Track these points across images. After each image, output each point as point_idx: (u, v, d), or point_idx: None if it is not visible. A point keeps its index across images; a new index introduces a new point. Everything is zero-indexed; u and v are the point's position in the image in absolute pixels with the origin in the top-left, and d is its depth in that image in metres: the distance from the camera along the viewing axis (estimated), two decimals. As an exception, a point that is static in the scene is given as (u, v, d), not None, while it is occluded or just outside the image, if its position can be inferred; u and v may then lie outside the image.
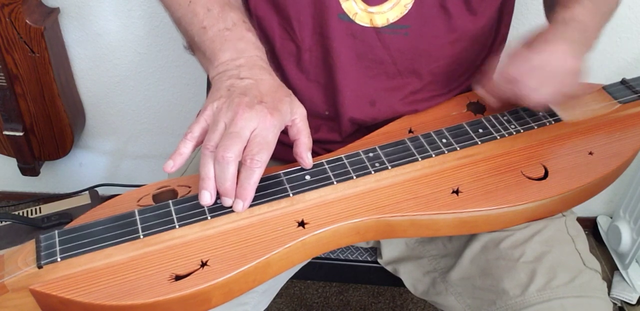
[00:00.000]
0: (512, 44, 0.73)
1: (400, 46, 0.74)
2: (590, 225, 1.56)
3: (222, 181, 0.58)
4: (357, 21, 0.73)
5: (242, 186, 0.59)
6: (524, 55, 0.70)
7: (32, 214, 0.95)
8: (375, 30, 0.73)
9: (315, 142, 0.81)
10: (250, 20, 0.74)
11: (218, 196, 0.60)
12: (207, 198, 0.59)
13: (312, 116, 0.80)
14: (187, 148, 0.61)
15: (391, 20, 0.73)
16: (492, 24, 0.80)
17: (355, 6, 0.72)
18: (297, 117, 0.64)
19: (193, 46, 0.71)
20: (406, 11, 0.72)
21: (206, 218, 0.61)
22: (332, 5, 0.71)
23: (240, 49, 0.66)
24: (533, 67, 0.68)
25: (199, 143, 0.62)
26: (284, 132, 0.82)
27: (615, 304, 1.40)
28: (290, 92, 0.65)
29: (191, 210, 0.61)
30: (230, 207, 0.60)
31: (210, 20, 0.68)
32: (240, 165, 0.58)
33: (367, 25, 0.73)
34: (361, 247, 0.94)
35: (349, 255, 0.94)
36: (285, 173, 0.66)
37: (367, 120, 0.78)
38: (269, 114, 0.59)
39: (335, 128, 0.80)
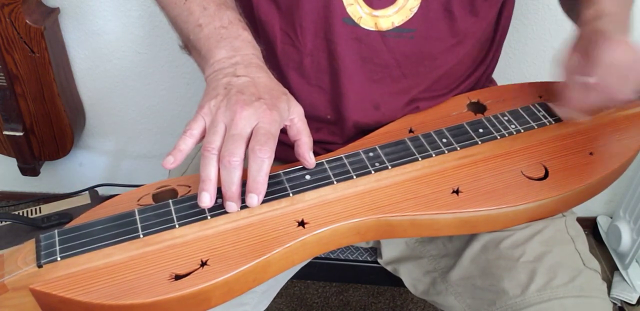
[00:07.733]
0: (557, 58, 0.69)
1: (405, 50, 0.74)
2: (590, 225, 1.56)
3: (229, 185, 0.57)
4: (361, 25, 0.72)
5: (255, 180, 0.58)
6: (587, 59, 0.66)
7: (32, 214, 0.95)
8: (380, 34, 0.73)
9: (315, 142, 0.81)
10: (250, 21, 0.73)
11: (218, 196, 0.60)
12: (206, 200, 0.58)
13: (313, 119, 0.80)
14: (186, 145, 0.60)
15: (396, 24, 0.72)
16: (493, 23, 0.80)
17: (360, 10, 0.72)
18: (295, 117, 0.63)
19: (189, 45, 0.71)
20: (412, 15, 0.72)
21: (206, 218, 0.61)
22: (336, 10, 0.71)
23: (236, 47, 0.65)
24: (606, 66, 0.65)
25: (198, 141, 0.61)
26: (283, 132, 0.82)
27: (615, 304, 1.40)
28: (286, 90, 0.64)
29: (191, 210, 0.61)
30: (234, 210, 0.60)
31: (206, 18, 0.67)
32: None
33: (371, 29, 0.73)
34: (361, 247, 0.94)
35: (349, 255, 0.94)
36: (285, 173, 0.65)
37: (371, 123, 0.77)
38: (268, 110, 0.59)
39: (337, 132, 0.79)
